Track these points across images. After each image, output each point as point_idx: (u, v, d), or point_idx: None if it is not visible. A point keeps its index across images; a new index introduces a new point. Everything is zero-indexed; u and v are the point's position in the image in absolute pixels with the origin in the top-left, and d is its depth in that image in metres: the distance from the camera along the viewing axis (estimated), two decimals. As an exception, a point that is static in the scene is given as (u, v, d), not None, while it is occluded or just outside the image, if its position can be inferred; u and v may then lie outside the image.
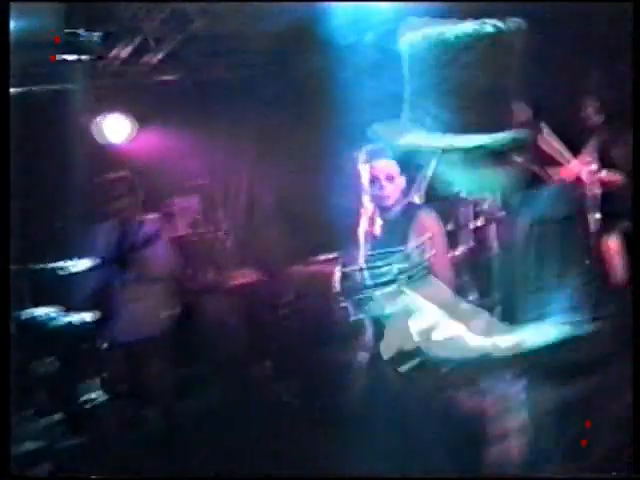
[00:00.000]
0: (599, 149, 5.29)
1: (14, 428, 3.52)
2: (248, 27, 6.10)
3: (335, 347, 5.32)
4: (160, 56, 6.56)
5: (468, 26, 2.24)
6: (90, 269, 5.45)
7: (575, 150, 5.15)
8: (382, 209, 4.13)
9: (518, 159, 2.32)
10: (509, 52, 2.26)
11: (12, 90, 6.21)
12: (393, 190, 4.06)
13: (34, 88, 6.28)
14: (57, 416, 5.25)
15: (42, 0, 5.25)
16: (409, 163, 2.63)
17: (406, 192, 4.05)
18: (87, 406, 5.32)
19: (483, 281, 2.57)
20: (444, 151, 2.27)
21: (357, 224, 4.27)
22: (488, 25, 2.24)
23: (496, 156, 2.28)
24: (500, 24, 2.25)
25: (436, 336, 2.30)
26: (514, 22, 2.28)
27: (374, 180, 4.06)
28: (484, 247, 2.75)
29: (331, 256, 5.93)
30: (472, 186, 2.45)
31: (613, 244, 5.23)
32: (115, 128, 7.04)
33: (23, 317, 5.22)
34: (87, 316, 5.35)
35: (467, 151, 2.25)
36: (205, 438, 5.19)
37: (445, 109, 2.24)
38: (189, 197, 7.34)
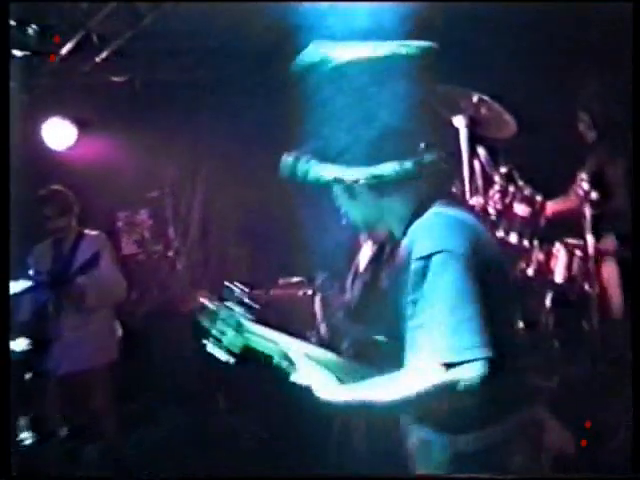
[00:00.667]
0: (594, 168, 4.98)
1: None
2: (204, 24, 5.73)
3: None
4: (105, 54, 6.12)
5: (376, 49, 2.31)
6: (23, 292, 4.98)
7: (572, 170, 4.86)
8: None
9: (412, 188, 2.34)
10: (409, 76, 2.31)
11: None
12: None
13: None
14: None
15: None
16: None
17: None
18: (15, 448, 4.85)
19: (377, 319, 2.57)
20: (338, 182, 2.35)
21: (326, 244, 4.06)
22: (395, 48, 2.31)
23: (385, 187, 2.33)
24: (408, 47, 2.32)
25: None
26: (421, 45, 2.34)
27: None
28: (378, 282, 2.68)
29: (295, 280, 5.66)
30: (363, 217, 2.48)
31: (609, 271, 4.95)
32: (54, 133, 6.68)
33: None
34: (18, 344, 4.91)
35: (354, 183, 2.32)
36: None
37: (342, 139, 2.32)
38: (136, 211, 6.98)
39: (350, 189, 2.36)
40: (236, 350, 2.61)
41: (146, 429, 5.86)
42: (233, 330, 2.63)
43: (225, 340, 2.64)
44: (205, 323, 2.74)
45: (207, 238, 7.34)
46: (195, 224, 7.35)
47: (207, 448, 5.45)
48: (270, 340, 2.55)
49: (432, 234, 2.22)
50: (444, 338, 2.11)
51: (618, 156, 5.02)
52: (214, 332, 2.69)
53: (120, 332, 5.45)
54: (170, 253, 6.95)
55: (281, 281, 5.99)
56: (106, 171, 6.56)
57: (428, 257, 2.17)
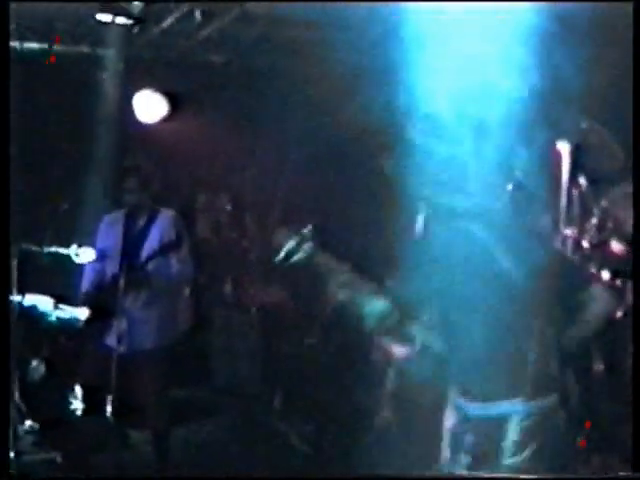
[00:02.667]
0: None
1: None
2: (310, 14, 5.71)
3: (360, 390, 5.23)
4: (206, 32, 6.15)
5: None
6: (91, 262, 5.05)
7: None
8: None
9: None
10: None
11: (32, 45, 5.95)
12: None
13: (58, 47, 5.92)
14: (28, 424, 4.88)
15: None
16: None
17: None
18: (63, 417, 4.96)
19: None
20: None
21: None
22: None
23: None
24: None
25: None
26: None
27: None
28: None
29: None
30: None
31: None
32: (145, 106, 6.54)
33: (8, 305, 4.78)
34: (80, 313, 4.98)
35: None
36: (195, 473, 5.00)
37: None
38: (216, 195, 6.99)
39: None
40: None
41: (194, 421, 5.88)
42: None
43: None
44: None
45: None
46: (275, 215, 7.32)
47: (253, 448, 5.46)
48: None
49: None
50: None
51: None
52: None
53: (184, 318, 5.45)
54: (245, 242, 6.95)
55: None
56: (191, 150, 6.57)
57: None
